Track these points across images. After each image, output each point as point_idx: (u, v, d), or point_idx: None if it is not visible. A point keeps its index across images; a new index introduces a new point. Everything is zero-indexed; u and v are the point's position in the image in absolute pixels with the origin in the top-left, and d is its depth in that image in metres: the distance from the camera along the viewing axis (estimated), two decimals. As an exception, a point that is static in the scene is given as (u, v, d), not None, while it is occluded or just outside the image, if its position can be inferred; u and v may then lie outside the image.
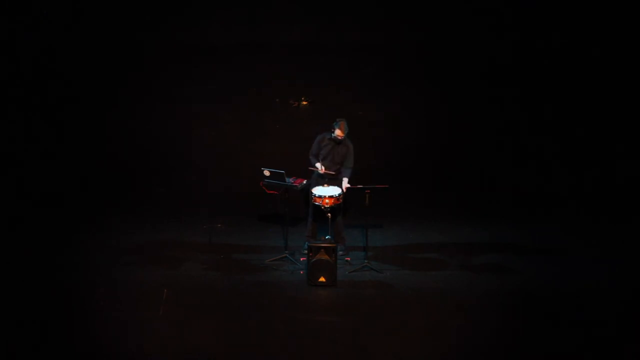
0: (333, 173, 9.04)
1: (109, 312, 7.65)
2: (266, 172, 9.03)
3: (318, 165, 9.16)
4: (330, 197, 8.90)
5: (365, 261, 8.96)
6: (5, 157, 11.37)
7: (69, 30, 11.52)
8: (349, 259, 9.24)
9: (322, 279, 8.37)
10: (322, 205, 8.90)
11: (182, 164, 11.84)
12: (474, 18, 11.62)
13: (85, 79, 11.69)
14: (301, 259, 9.12)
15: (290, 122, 11.92)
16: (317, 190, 9.02)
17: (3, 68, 11.37)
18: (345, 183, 9.11)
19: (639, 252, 9.41)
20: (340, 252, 9.22)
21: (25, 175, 11.34)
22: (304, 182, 9.21)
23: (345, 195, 9.01)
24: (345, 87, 11.85)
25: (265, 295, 8.18)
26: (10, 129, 11.47)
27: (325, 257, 8.38)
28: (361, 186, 8.77)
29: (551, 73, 11.74)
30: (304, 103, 12.01)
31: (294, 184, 9.07)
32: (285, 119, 12.00)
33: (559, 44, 11.65)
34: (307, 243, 9.13)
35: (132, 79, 11.76)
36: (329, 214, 8.91)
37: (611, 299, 8.01)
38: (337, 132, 9.00)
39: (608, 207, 10.99)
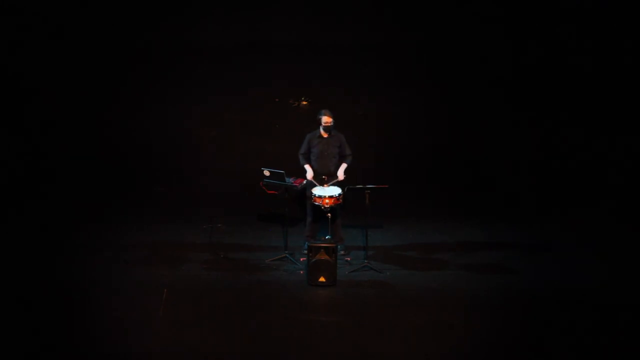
0: (321, 186, 9.10)
1: (109, 312, 7.65)
2: (266, 172, 9.04)
3: (307, 167, 9.21)
4: (330, 197, 8.92)
5: (365, 261, 8.97)
6: (5, 156, 11.37)
7: (68, 29, 11.51)
8: (349, 258, 9.25)
9: (322, 279, 8.37)
10: (322, 205, 8.92)
11: (183, 164, 11.84)
12: (473, 18, 11.61)
13: (84, 79, 11.68)
14: (301, 259, 9.12)
15: (290, 122, 11.92)
16: (317, 190, 9.04)
17: (2, 67, 11.39)
18: (341, 171, 9.15)
19: (637, 249, 9.43)
20: (341, 252, 9.24)
21: (25, 175, 11.34)
22: (304, 182, 9.23)
23: (344, 195, 9.03)
24: (345, 87, 11.85)
25: (265, 295, 8.18)
26: (10, 128, 11.47)
27: (325, 257, 8.38)
28: (361, 186, 8.78)
29: (550, 73, 11.73)
30: (304, 103, 12.01)
31: (294, 184, 9.09)
32: (285, 119, 12.00)
33: (558, 44, 11.64)
34: (307, 243, 9.13)
35: (132, 78, 11.75)
36: (329, 214, 8.92)
37: (612, 298, 8.01)
38: (325, 119, 9.09)
39: (608, 207, 11.01)
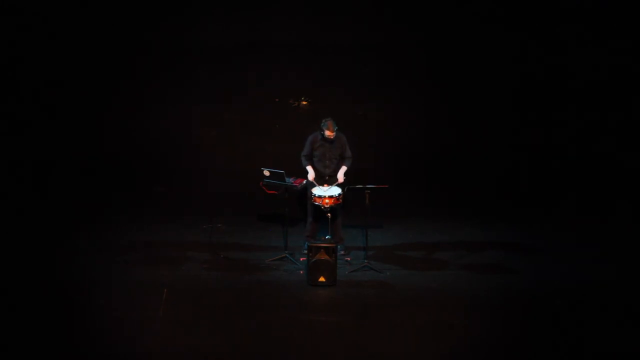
0: (324, 187, 9.10)
1: (109, 312, 7.65)
2: (266, 172, 9.04)
3: (309, 169, 9.21)
4: (330, 197, 8.93)
5: (365, 261, 8.96)
6: (6, 156, 11.37)
7: (68, 29, 11.51)
8: (349, 258, 9.25)
9: (322, 279, 8.37)
10: (322, 205, 8.92)
11: (182, 164, 11.83)
12: (473, 18, 11.61)
13: (84, 79, 11.67)
14: (301, 259, 9.12)
15: (290, 122, 11.92)
16: (317, 191, 9.04)
17: (3, 68, 11.39)
18: (341, 173, 9.15)
19: (638, 250, 9.42)
20: (342, 252, 9.24)
21: (25, 175, 11.34)
22: (304, 182, 9.24)
23: (344, 195, 9.03)
24: (345, 87, 11.84)
25: (265, 295, 8.18)
26: (9, 128, 11.47)
27: (325, 257, 8.38)
28: (361, 186, 8.78)
29: (550, 73, 11.74)
30: (304, 103, 12.01)
31: (294, 184, 9.09)
32: (285, 119, 12.00)
33: (559, 44, 11.65)
34: (307, 243, 9.13)
35: (131, 79, 11.75)
36: (329, 214, 8.92)
37: (612, 298, 8.01)
38: (327, 133, 9.09)
39: (608, 207, 11.01)
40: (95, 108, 11.77)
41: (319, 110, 11.53)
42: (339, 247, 9.10)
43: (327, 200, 8.91)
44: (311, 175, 9.21)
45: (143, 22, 11.64)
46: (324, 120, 9.15)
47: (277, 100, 12.06)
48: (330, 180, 9.22)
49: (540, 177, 11.71)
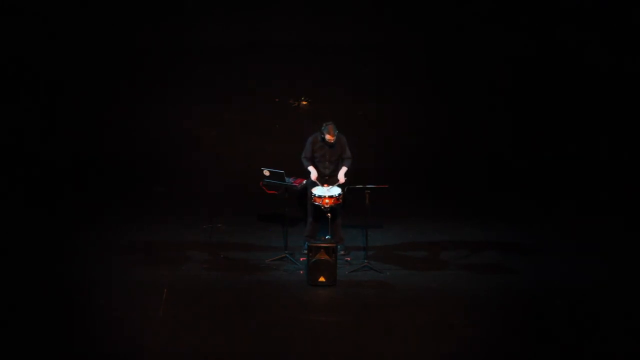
0: (324, 186, 9.11)
1: (109, 312, 7.65)
2: (266, 172, 9.04)
3: (311, 169, 9.20)
4: (330, 197, 8.93)
5: (365, 261, 8.96)
6: (6, 156, 11.37)
7: (68, 29, 11.52)
8: (349, 258, 9.25)
9: (322, 279, 8.37)
10: (322, 205, 8.92)
11: (182, 164, 11.84)
12: (473, 18, 11.62)
13: (84, 79, 11.68)
14: (301, 259, 9.12)
15: (290, 122, 11.92)
16: (317, 190, 9.04)
17: (3, 68, 11.40)
18: (342, 174, 9.14)
19: (638, 250, 9.42)
20: (342, 252, 9.24)
21: (25, 175, 11.34)
22: (304, 182, 9.23)
23: (344, 195, 9.03)
24: (345, 87, 11.85)
25: (265, 295, 8.18)
26: (9, 128, 11.47)
27: (325, 257, 8.38)
28: (361, 186, 8.78)
29: (550, 73, 11.74)
30: (304, 103, 12.02)
31: (294, 184, 9.09)
32: (285, 119, 12.00)
33: (558, 44, 11.65)
34: (307, 243, 9.13)
35: (132, 78, 11.75)
36: (329, 214, 8.92)
37: (612, 299, 8.01)
38: (328, 137, 9.07)
39: (607, 207, 11.01)
40: (95, 108, 11.77)
41: (319, 110, 11.55)
42: (339, 247, 9.10)
43: (327, 200, 8.91)
44: (314, 175, 9.19)
45: (143, 22, 11.65)
46: (324, 124, 9.13)
47: (277, 100, 12.06)
48: (331, 181, 9.22)
49: (540, 177, 11.71)
